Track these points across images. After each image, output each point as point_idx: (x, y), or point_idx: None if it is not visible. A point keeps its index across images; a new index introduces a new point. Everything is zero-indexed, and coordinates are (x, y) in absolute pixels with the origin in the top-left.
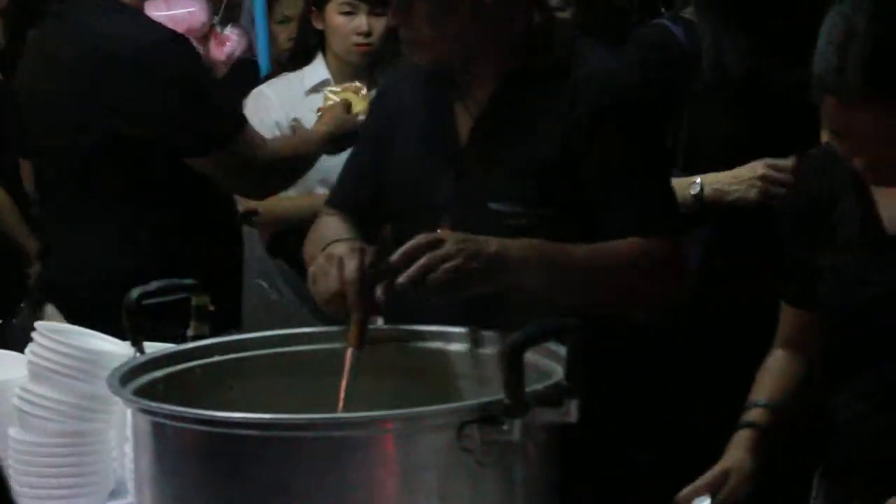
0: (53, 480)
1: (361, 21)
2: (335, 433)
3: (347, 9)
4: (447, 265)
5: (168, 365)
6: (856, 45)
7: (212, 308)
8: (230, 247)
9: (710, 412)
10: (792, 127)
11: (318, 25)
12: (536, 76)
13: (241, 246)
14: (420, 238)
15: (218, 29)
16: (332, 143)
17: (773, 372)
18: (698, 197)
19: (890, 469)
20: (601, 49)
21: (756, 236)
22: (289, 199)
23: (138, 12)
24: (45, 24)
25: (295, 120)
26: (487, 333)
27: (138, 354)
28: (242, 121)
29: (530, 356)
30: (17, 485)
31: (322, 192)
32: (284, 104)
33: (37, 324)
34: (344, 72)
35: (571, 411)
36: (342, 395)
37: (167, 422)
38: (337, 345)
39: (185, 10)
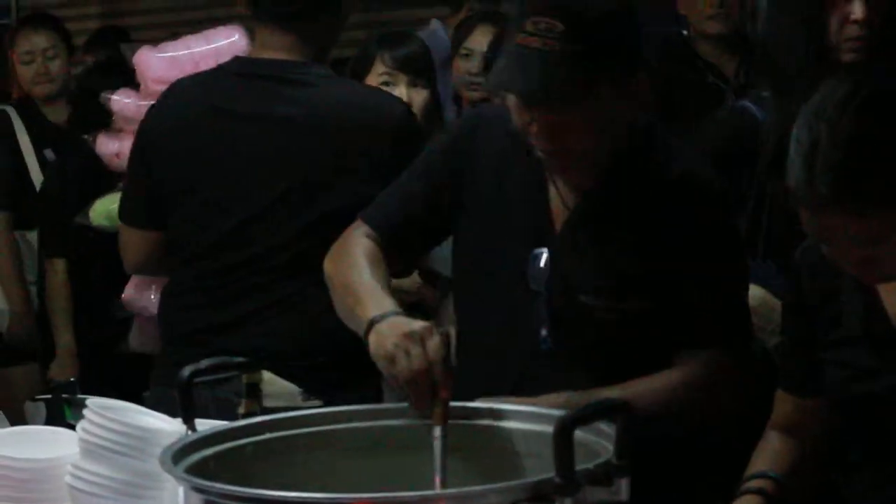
0: None
1: (401, 92)
2: None
3: (386, 79)
4: None
5: (219, 443)
6: (821, 155)
7: (262, 386)
8: None
9: None
10: None
11: None
12: (630, 172)
13: None
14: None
15: None
16: None
17: (769, 453)
18: None
19: None
20: (687, 147)
21: None
22: None
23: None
24: (221, 83)
25: None
26: (538, 411)
27: (190, 432)
28: None
29: (580, 434)
30: None
31: None
32: None
33: (88, 400)
34: None
35: (622, 490)
36: (438, 472)
37: (219, 500)
38: (387, 422)
39: (226, 41)
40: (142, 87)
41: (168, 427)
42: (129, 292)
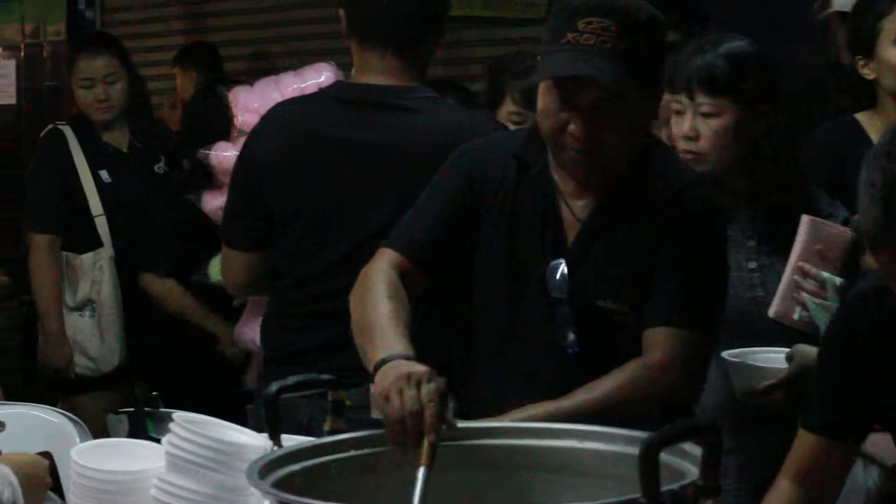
0: None
1: None
2: None
3: (516, 118)
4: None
5: (305, 458)
6: None
7: (349, 403)
8: None
9: None
10: None
11: None
12: (636, 186)
13: None
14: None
15: None
16: None
17: None
18: None
19: None
20: (685, 165)
21: None
22: None
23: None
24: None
25: None
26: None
27: (275, 447)
28: None
29: (664, 456)
30: None
31: None
32: None
33: (174, 414)
34: None
35: None
36: None
37: None
38: (474, 441)
39: (315, 81)
40: (235, 127)
41: (254, 442)
42: (240, 329)
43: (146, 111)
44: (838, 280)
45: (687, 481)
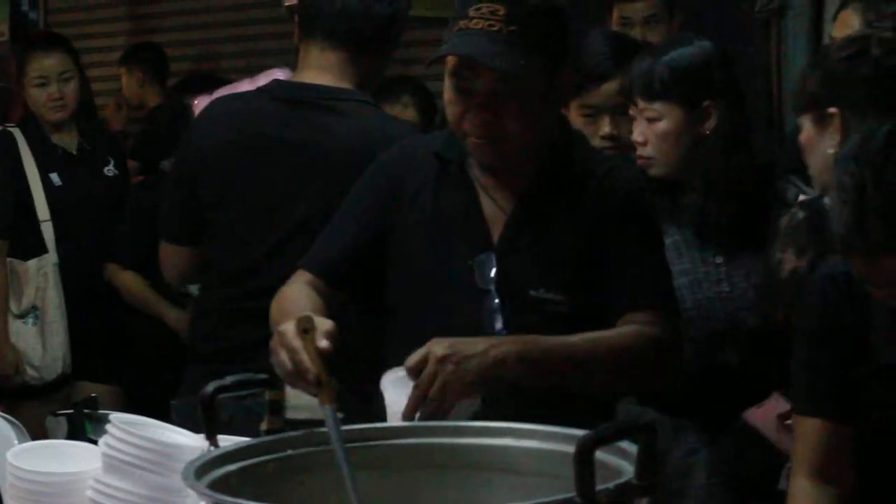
0: None
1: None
2: None
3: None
4: (434, 389)
5: (241, 459)
6: (869, 201)
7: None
8: None
9: None
10: None
11: None
12: (559, 172)
13: None
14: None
15: None
16: None
17: None
18: None
19: None
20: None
21: None
22: None
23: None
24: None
25: None
26: (557, 431)
27: (212, 448)
28: None
29: (600, 454)
30: None
31: None
32: None
33: (111, 415)
34: None
35: None
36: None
37: None
38: (412, 440)
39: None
40: None
41: (190, 442)
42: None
43: (91, 112)
44: None
45: (622, 480)
